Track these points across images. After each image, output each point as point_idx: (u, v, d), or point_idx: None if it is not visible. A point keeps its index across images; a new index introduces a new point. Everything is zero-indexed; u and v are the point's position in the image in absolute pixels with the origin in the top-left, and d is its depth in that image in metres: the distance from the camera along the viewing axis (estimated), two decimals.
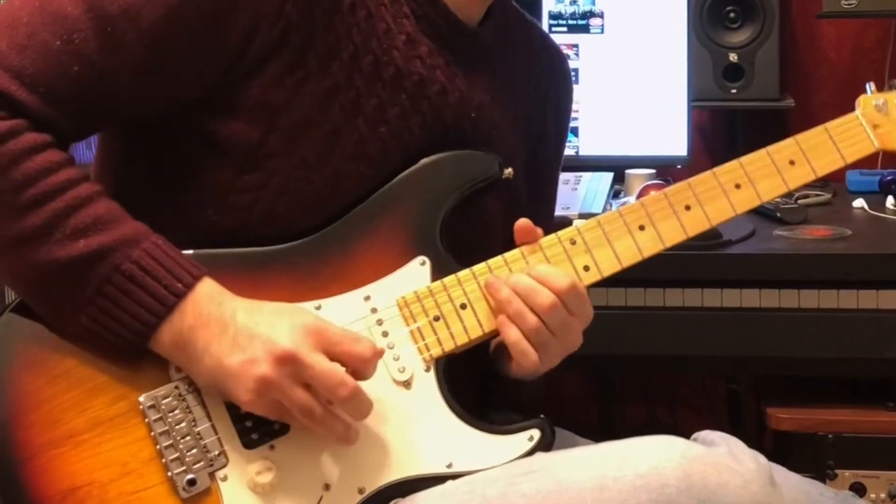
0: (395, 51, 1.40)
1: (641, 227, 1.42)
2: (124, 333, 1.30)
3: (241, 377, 1.27)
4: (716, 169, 1.44)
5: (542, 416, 1.39)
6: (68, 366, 1.32)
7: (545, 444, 1.37)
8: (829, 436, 2.09)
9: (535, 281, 1.36)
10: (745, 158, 1.44)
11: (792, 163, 1.44)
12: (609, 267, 1.41)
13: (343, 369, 1.28)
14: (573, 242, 1.41)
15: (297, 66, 1.35)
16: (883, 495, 2.08)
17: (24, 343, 1.33)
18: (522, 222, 1.41)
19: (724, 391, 2.74)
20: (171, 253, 1.31)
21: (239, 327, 1.28)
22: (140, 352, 1.31)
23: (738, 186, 1.43)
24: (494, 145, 1.46)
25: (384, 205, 1.40)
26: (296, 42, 1.34)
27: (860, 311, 2.02)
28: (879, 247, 2.07)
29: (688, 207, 1.43)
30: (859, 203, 2.35)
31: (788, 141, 1.45)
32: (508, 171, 1.43)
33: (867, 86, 1.53)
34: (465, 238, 1.43)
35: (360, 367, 1.29)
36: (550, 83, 1.62)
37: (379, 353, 1.31)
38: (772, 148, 1.45)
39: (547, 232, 1.44)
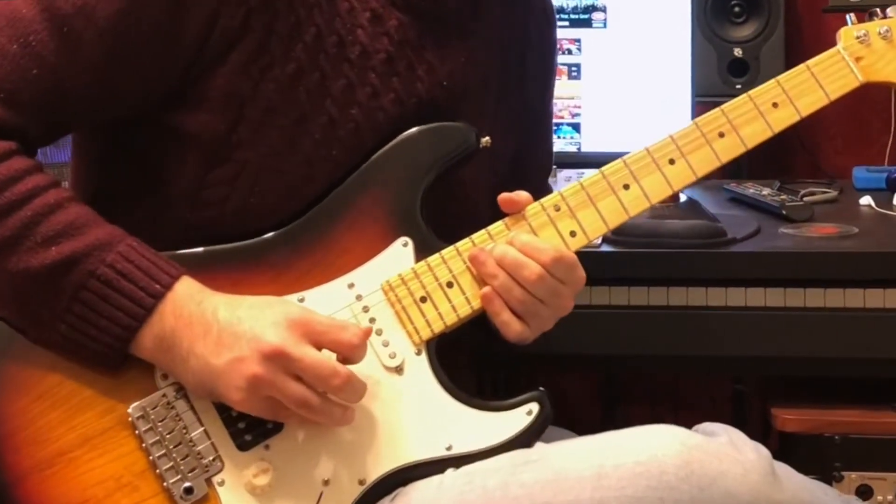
0: (359, 29, 1.39)
1: (626, 186, 1.41)
2: (104, 339, 1.29)
3: (230, 377, 1.26)
4: (697, 119, 1.43)
5: (540, 388, 1.38)
6: (52, 382, 1.32)
7: (543, 418, 1.36)
8: (836, 437, 2.08)
9: (520, 253, 1.35)
10: (726, 105, 1.43)
11: (775, 105, 1.43)
12: (595, 230, 1.41)
13: (333, 357, 1.27)
14: (557, 209, 1.40)
15: (260, 52, 1.34)
16: (890, 497, 2.07)
17: (4, 362, 1.32)
18: (503, 196, 1.40)
19: (728, 391, 2.73)
20: (147, 254, 1.30)
21: (222, 325, 1.27)
22: (123, 359, 1.30)
23: (721, 135, 1.42)
24: (469, 109, 1.45)
25: (360, 187, 1.39)
26: (258, 27, 1.33)
27: (867, 311, 2.01)
28: (887, 245, 2.06)
29: (672, 161, 1.42)
30: (866, 200, 2.34)
31: (770, 83, 1.44)
32: (485, 139, 1.42)
33: (847, 17, 1.51)
34: (447, 214, 1.42)
35: (350, 353, 1.29)
36: (538, 25, 1.60)
37: (367, 334, 1.30)
38: (754, 92, 1.44)
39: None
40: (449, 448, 1.35)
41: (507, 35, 1.55)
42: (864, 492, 2.07)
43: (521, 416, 1.36)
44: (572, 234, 1.40)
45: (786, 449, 2.13)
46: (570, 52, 2.45)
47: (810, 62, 1.45)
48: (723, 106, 1.42)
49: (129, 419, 1.31)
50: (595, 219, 1.40)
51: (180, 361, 1.29)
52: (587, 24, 2.45)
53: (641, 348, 2.08)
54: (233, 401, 1.28)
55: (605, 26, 2.45)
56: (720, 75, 2.52)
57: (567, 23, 2.45)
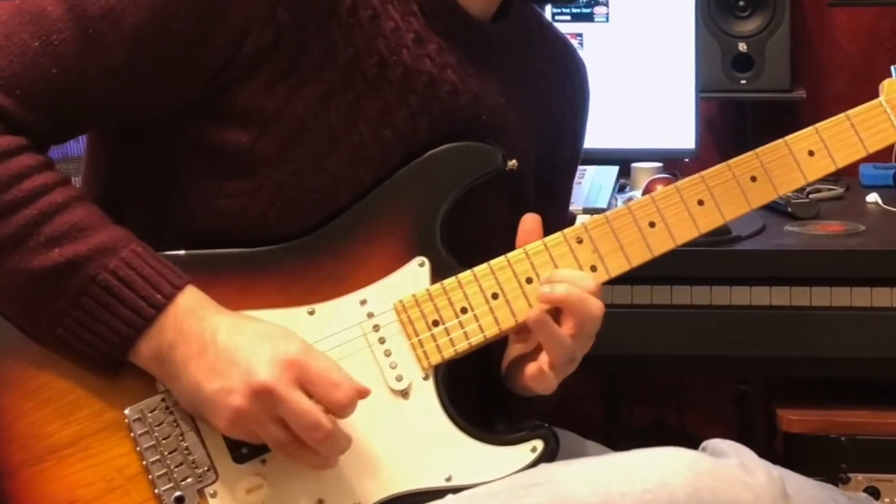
0: (404, 49, 1.38)
1: (651, 224, 1.39)
2: (101, 346, 1.28)
3: (216, 406, 1.26)
4: (730, 161, 1.41)
5: (545, 425, 1.37)
6: (47, 378, 1.31)
7: (549, 455, 1.35)
8: (842, 438, 2.08)
9: (582, 292, 1.34)
10: (760, 150, 1.42)
11: (811, 153, 1.42)
12: (617, 267, 1.39)
13: (320, 409, 1.26)
14: (580, 241, 1.39)
15: (289, 72, 1.33)
16: None
17: (1, 356, 1.31)
18: (530, 219, 1.39)
19: (733, 392, 2.72)
20: (151, 262, 1.29)
21: (219, 349, 1.26)
22: (119, 365, 1.30)
23: (753, 179, 1.41)
24: (504, 148, 1.43)
25: (382, 203, 1.38)
26: (288, 48, 1.32)
27: (874, 310, 2.01)
28: (894, 243, 2.06)
29: (700, 202, 1.40)
30: (873, 198, 2.34)
31: (808, 130, 1.42)
32: (512, 162, 1.40)
33: (893, 69, 1.50)
34: (466, 237, 1.41)
35: (337, 412, 1.27)
36: (572, 87, 1.59)
37: (361, 395, 1.28)
38: (790, 138, 1.42)
39: None
40: (449, 479, 1.34)
41: (548, 89, 1.54)
42: (872, 494, 2.07)
43: (524, 453, 1.36)
44: (593, 268, 1.39)
45: (791, 450, 2.12)
46: None
47: (850, 112, 1.43)
48: (756, 150, 1.41)
49: (126, 421, 1.30)
50: (618, 255, 1.38)
51: (174, 377, 1.28)
52: (589, 18, 2.45)
53: (645, 348, 2.08)
54: (218, 428, 1.28)
55: (607, 20, 2.45)
56: (724, 70, 2.51)
57: (569, 17, 2.45)
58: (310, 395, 1.26)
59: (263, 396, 1.25)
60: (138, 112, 1.34)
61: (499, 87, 1.45)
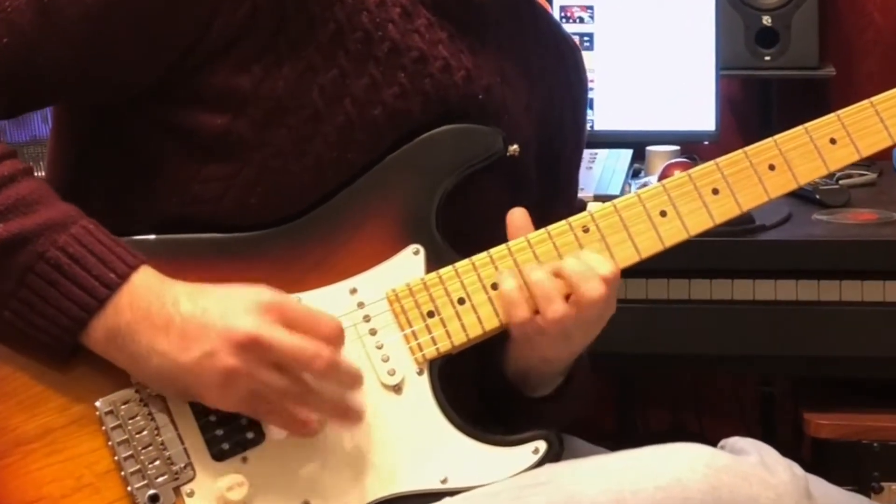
0: (390, 24, 1.39)
1: (663, 214, 1.41)
2: (51, 330, 1.28)
3: (203, 375, 1.26)
4: (747, 148, 1.43)
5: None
6: (9, 369, 1.30)
7: (552, 458, 1.36)
8: (874, 444, 2.09)
9: (588, 269, 1.34)
10: (780, 137, 1.43)
11: (833, 141, 1.44)
12: (626, 258, 1.40)
13: (312, 339, 1.27)
14: (586, 230, 1.40)
15: (265, 50, 1.34)
16: None
17: None
18: (519, 215, 1.39)
19: (756, 394, 2.74)
20: (104, 239, 1.29)
21: (185, 317, 1.26)
22: (70, 353, 1.30)
23: (772, 168, 1.43)
24: (504, 131, 1.44)
25: (373, 186, 1.39)
26: (263, 25, 1.33)
27: None
28: None
29: (715, 191, 1.42)
30: None
31: (830, 117, 1.44)
32: (514, 147, 1.42)
33: None
34: (464, 224, 1.42)
35: (330, 340, 1.28)
36: (567, 71, 1.60)
37: (342, 334, 1.29)
38: (811, 125, 1.44)
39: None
40: (444, 481, 1.35)
41: (545, 71, 1.55)
42: None
43: (525, 455, 1.36)
44: None
45: (819, 457, 2.13)
46: (581, 20, 2.45)
47: (875, 98, 1.45)
48: (775, 137, 1.43)
49: (97, 414, 1.31)
50: (627, 246, 1.40)
51: (140, 360, 1.28)
52: None
53: (661, 346, 2.09)
54: (209, 400, 1.28)
55: None
56: (747, 46, 2.51)
57: None
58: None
59: (250, 347, 1.25)
60: (102, 91, 1.34)
61: (495, 66, 1.46)
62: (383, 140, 1.38)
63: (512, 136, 1.43)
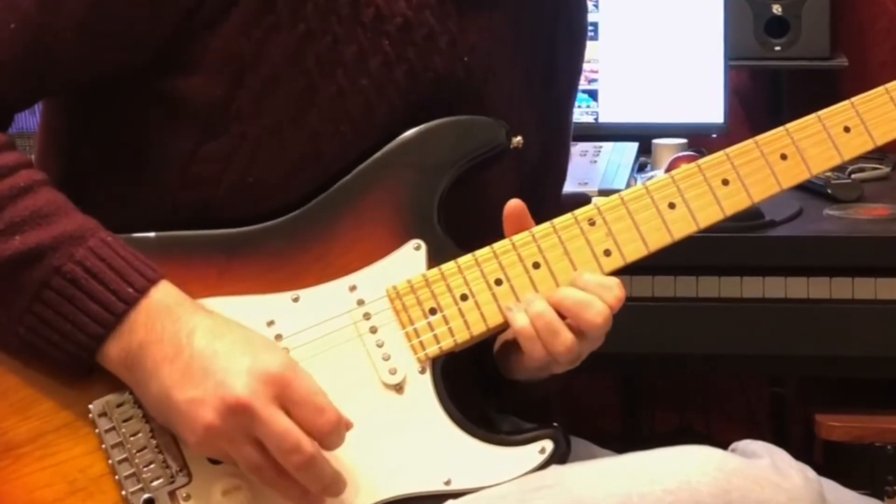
0: None
1: (671, 205, 1.41)
2: (67, 347, 1.28)
3: (186, 418, 1.26)
4: (758, 138, 1.43)
5: (554, 424, 1.38)
6: (4, 370, 1.31)
7: (559, 458, 1.36)
8: (889, 447, 2.09)
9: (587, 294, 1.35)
10: (791, 125, 1.44)
11: (847, 129, 1.44)
12: (633, 252, 1.40)
13: (301, 432, 1.26)
14: (592, 223, 1.40)
15: (264, 12, 1.34)
16: None
17: None
18: (515, 206, 1.40)
19: (766, 395, 2.75)
20: (122, 252, 1.30)
21: (194, 353, 1.27)
22: (87, 370, 1.30)
23: (783, 157, 1.43)
24: (495, 92, 1.45)
25: (372, 179, 1.39)
26: None
27: None
28: None
29: (725, 182, 1.42)
30: None
31: (843, 104, 1.45)
32: (517, 139, 1.42)
33: None
34: (466, 218, 1.42)
35: (318, 440, 1.27)
36: (559, 10, 1.60)
37: (345, 427, 1.29)
38: (823, 113, 1.44)
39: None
40: (448, 483, 1.35)
41: (536, 20, 1.55)
42: None
43: (531, 455, 1.36)
44: (607, 252, 1.40)
45: (831, 460, 2.14)
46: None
47: (890, 85, 1.46)
48: (787, 125, 1.43)
49: (90, 416, 1.31)
50: (634, 239, 1.40)
51: (143, 382, 1.29)
52: None
53: (667, 346, 2.09)
54: (187, 442, 1.29)
55: None
56: (757, 36, 2.51)
57: None
58: (290, 417, 1.26)
59: (238, 413, 1.25)
60: (107, 64, 1.35)
61: (483, 24, 1.45)
62: (374, 112, 1.39)
63: (499, 94, 1.44)
